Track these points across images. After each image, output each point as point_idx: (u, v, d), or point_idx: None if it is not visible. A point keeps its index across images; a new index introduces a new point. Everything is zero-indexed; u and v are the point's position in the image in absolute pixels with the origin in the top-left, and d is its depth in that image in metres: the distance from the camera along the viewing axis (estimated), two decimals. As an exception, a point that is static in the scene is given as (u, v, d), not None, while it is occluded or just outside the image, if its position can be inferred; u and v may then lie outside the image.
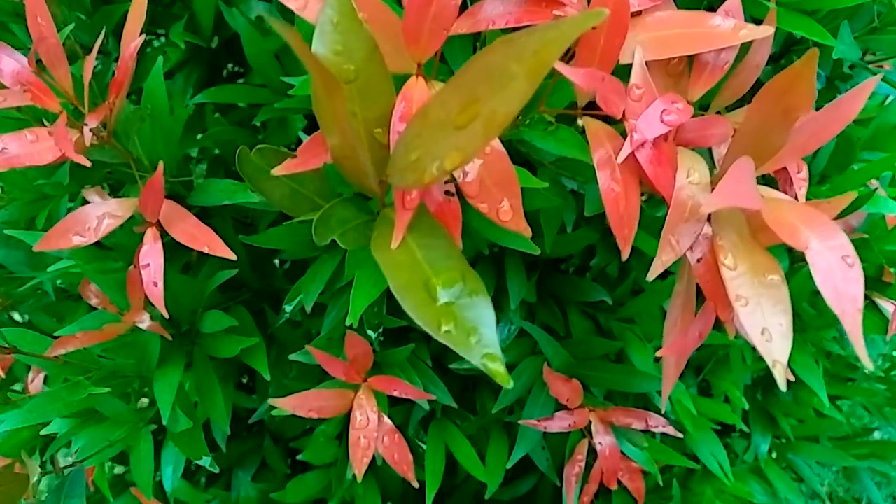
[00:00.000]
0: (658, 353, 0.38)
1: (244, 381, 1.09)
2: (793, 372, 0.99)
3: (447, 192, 0.35)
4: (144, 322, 0.55)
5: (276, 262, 1.01)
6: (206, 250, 0.47)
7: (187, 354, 0.66)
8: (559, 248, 0.68)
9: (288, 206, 0.42)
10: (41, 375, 0.79)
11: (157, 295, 0.46)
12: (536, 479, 0.97)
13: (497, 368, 0.28)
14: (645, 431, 0.65)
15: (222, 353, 0.64)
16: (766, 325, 0.34)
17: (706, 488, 0.96)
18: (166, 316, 0.47)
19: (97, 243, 0.67)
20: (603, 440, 0.62)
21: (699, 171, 0.39)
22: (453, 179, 0.35)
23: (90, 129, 0.42)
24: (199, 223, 0.47)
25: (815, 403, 1.07)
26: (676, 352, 0.38)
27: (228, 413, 0.66)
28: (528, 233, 0.35)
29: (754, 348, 0.34)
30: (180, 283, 0.64)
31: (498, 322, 0.76)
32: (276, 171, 0.35)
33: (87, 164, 0.41)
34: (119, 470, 1.12)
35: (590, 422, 0.63)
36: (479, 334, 0.29)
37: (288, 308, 0.70)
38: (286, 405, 0.58)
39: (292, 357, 0.67)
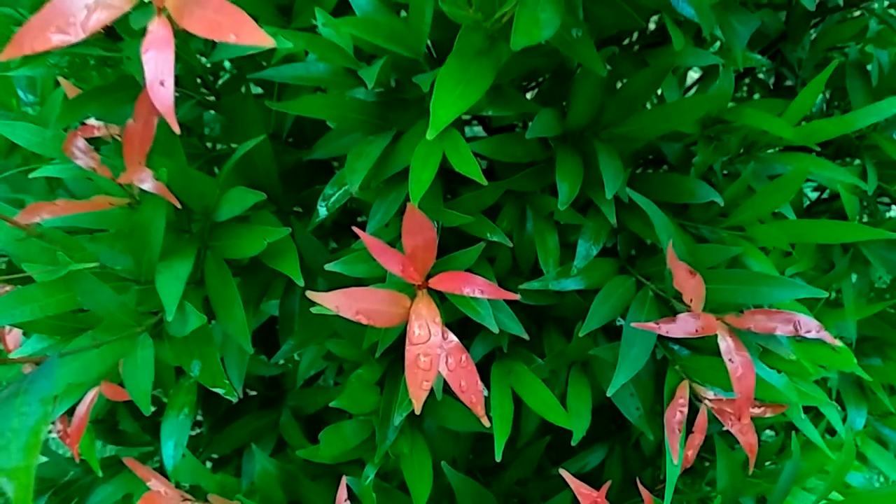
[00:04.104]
0: None
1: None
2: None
3: None
4: (146, 182, 0.41)
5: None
6: (232, 39, 0.33)
7: (198, 263, 0.53)
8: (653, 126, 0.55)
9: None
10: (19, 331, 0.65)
11: (164, 99, 0.33)
12: (605, 452, 0.82)
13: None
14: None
15: (243, 250, 0.50)
16: None
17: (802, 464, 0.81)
18: (176, 130, 0.33)
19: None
20: (734, 357, 0.48)
21: None
22: None
23: None
24: (224, 3, 0.34)
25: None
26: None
27: (249, 332, 0.51)
28: None
29: None
30: (194, 173, 0.51)
31: (579, 237, 0.62)
32: None
33: None
34: (113, 450, 0.98)
35: (715, 336, 0.48)
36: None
37: (323, 207, 0.56)
38: (327, 301, 0.44)
39: (329, 267, 0.53)
